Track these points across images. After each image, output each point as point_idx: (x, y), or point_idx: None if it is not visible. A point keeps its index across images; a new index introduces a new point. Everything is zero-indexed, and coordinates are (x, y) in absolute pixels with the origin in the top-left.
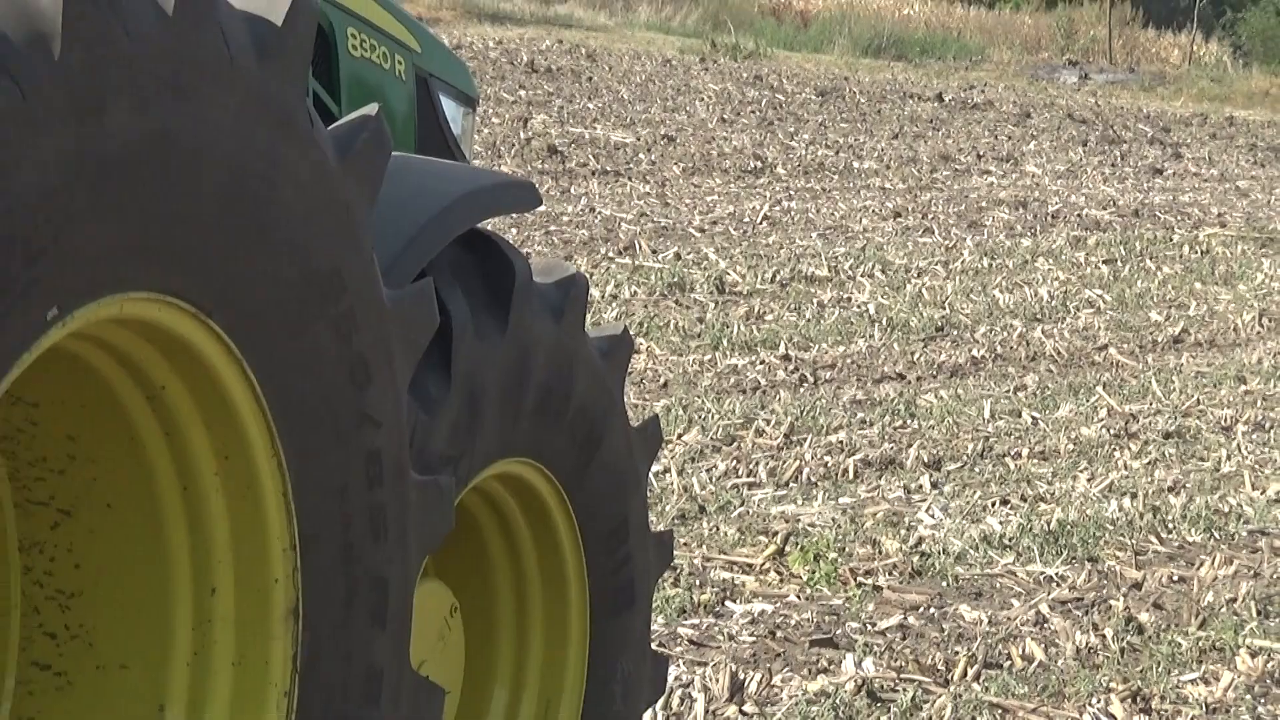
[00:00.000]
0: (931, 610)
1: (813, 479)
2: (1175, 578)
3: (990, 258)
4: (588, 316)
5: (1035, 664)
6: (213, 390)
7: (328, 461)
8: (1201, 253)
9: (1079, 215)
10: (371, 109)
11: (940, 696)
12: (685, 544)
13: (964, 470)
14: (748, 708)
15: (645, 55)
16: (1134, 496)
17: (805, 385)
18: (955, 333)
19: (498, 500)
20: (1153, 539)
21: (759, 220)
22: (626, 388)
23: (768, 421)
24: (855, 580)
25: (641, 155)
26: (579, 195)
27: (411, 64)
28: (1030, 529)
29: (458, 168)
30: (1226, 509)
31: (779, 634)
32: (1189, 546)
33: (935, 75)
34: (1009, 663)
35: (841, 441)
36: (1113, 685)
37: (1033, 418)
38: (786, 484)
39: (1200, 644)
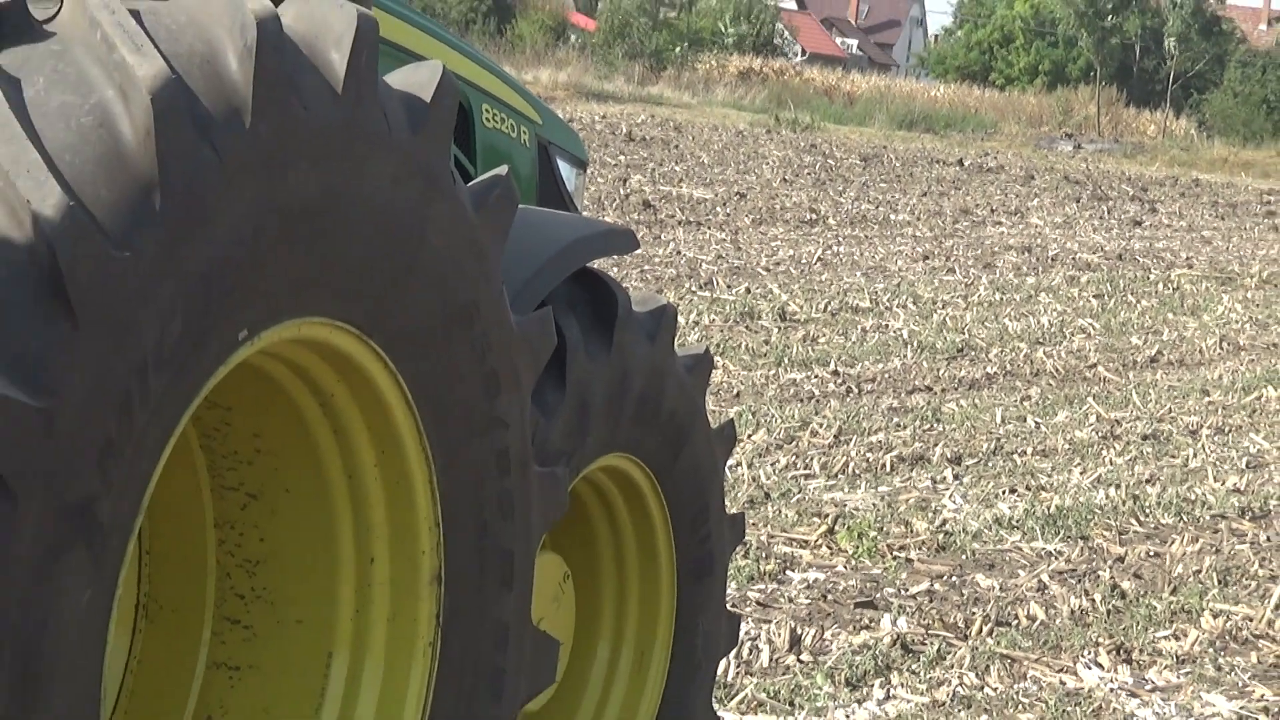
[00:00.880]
0: (953, 578)
1: (857, 471)
2: (1151, 553)
3: (1001, 292)
4: (675, 339)
5: (1038, 622)
6: (372, 397)
7: (466, 456)
8: (1173, 289)
9: (1073, 258)
10: (501, 170)
11: (960, 649)
12: (753, 524)
13: (980, 465)
14: (804, 657)
15: (721, 127)
16: (1118, 487)
17: (851, 395)
18: (973, 353)
19: (602, 488)
20: (1133, 521)
21: (814, 261)
22: (707, 397)
23: (820, 425)
24: (891, 554)
25: (718, 208)
26: (668, 241)
27: (534, 133)
28: (1034, 513)
29: (571, 218)
30: (1193, 497)
31: (829, 597)
32: (1162, 528)
33: (956, 145)
34: (1016, 621)
35: (880, 441)
36: (1100, 640)
37: (1035, 422)
38: (835, 475)
39: (1172, 607)
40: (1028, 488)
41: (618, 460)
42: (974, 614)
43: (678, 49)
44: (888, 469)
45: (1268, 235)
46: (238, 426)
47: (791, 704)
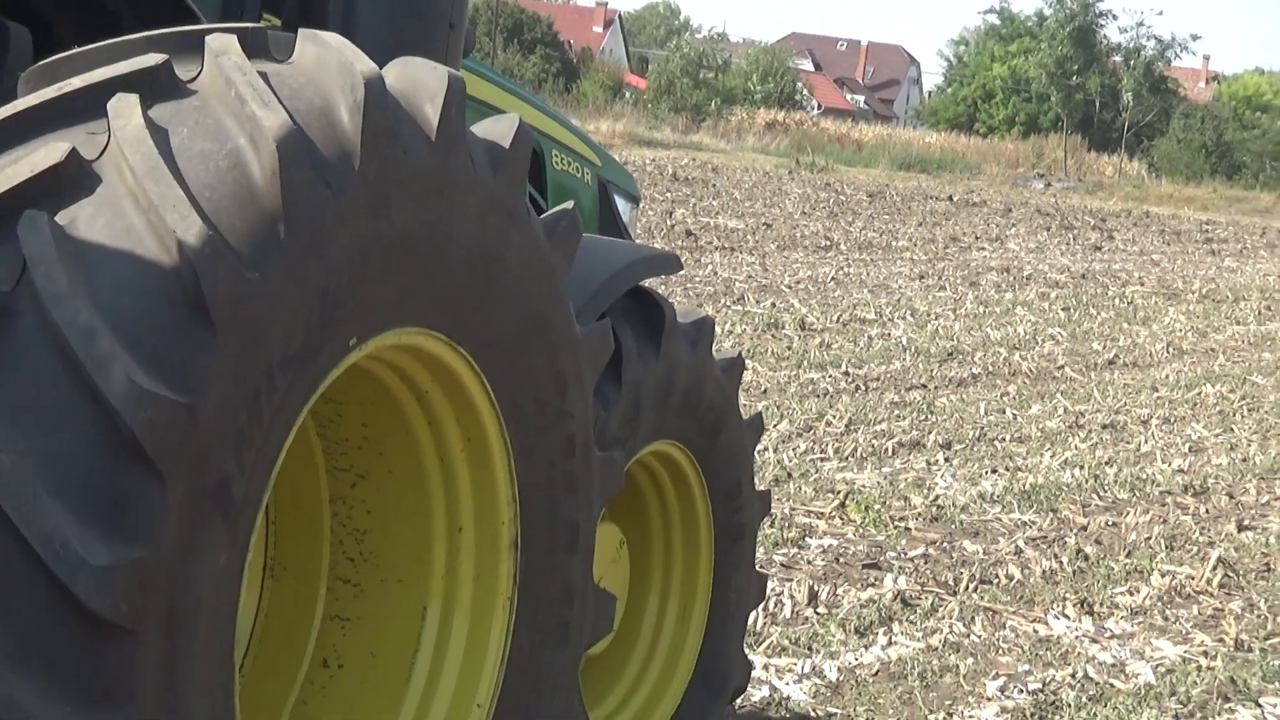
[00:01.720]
0: (944, 544)
1: (864, 455)
2: (1110, 523)
3: (984, 306)
4: (713, 345)
5: (1015, 581)
6: (461, 394)
7: (538, 442)
8: (1127, 303)
9: (1044, 278)
10: (568, 205)
11: (950, 603)
12: (778, 499)
13: (966, 449)
14: (820, 610)
15: (750, 169)
16: (1081, 468)
17: (859, 392)
18: (960, 356)
19: (652, 469)
20: (1094, 496)
21: (828, 281)
22: (739, 393)
23: (834, 416)
24: (893, 523)
25: (748, 236)
26: (706, 263)
27: (595, 173)
28: (1011, 489)
29: (626, 244)
30: (1145, 476)
31: (841, 560)
32: (1119, 502)
33: (947, 183)
34: (997, 580)
35: (883, 430)
36: (1068, 595)
37: (1013, 414)
38: (846, 458)
39: (1127, 568)
40: (1006, 468)
41: (665, 446)
42: (962, 574)
43: (714, 104)
44: (890, 453)
45: (1206, 259)
46: (348, 418)
47: (810, 649)
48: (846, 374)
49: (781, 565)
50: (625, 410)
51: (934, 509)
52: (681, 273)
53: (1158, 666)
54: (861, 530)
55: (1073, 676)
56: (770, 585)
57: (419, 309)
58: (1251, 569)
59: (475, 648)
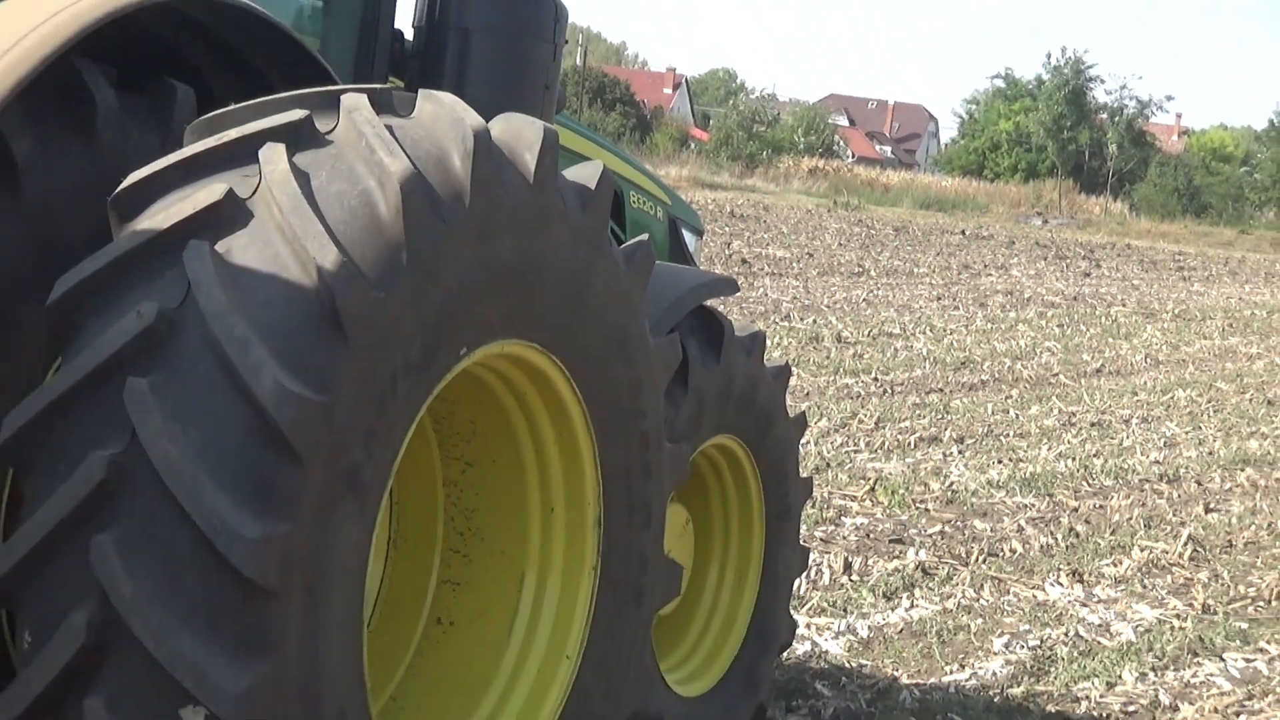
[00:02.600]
0: (958, 523)
1: (890, 448)
2: (1097, 505)
3: (992, 323)
4: (765, 355)
5: (1017, 554)
6: (554, 396)
7: (618, 436)
8: (1112, 321)
9: (1042, 299)
10: (644, 238)
11: (963, 572)
12: (818, 485)
13: (976, 443)
14: (853, 577)
15: (796, 207)
16: (1073, 459)
17: (886, 394)
18: (972, 365)
19: (713, 460)
20: (1084, 484)
21: (861, 301)
22: (786, 396)
23: (865, 415)
24: (914, 505)
25: (794, 264)
26: (758, 286)
27: (665, 211)
28: (1015, 477)
29: (692, 271)
30: (1127, 467)
31: (871, 536)
32: (1105, 488)
33: (960, 220)
34: (1002, 553)
35: (907, 426)
36: (1062, 567)
37: (1015, 414)
38: (875, 451)
39: (1111, 544)
40: (1010, 459)
41: (724, 439)
42: (972, 548)
43: (765, 153)
44: (912, 446)
45: (1178, 284)
46: (459, 415)
47: (845, 610)
48: (876, 380)
49: (821, 540)
50: (691, 410)
51: (949, 493)
52: (738, 294)
53: (1137, 626)
54: (888, 511)
55: (1066, 635)
56: (811, 557)
57: (519, 324)
58: (1216, 545)
59: (565, 608)
